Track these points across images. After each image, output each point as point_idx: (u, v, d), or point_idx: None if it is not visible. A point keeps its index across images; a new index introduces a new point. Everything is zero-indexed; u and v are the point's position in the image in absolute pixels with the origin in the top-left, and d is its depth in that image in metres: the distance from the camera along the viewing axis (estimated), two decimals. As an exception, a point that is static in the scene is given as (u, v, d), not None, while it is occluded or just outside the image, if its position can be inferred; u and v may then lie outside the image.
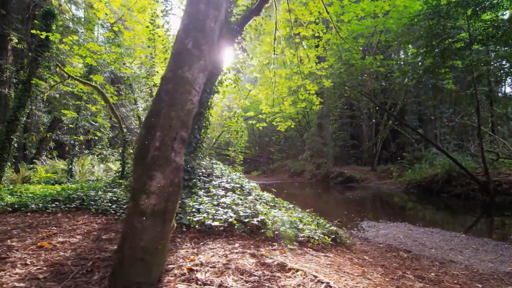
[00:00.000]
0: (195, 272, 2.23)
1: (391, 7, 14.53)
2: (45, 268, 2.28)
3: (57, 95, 15.58)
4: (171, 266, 2.34)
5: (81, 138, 10.86)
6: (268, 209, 4.53)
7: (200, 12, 2.23)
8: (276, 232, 3.71)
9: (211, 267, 2.36)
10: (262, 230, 3.64)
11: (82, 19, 16.63)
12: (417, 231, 6.57)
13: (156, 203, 2.03)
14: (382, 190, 15.42)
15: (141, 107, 18.16)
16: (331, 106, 19.75)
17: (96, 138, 15.54)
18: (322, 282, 2.16)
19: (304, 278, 2.23)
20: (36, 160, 12.87)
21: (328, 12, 9.79)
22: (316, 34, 10.99)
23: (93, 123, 15.39)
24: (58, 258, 2.52)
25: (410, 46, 15.77)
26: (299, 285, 2.10)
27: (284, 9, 10.01)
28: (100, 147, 14.39)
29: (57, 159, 13.71)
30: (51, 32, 9.75)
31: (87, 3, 17.95)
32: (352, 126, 24.80)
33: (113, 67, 12.17)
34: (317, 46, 12.25)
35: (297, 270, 2.36)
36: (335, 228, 4.67)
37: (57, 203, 4.83)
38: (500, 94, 19.44)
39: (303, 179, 23.60)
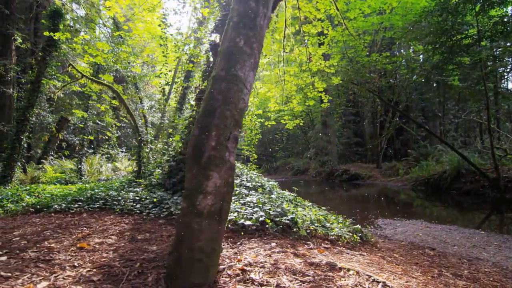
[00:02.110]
0: (248, 273, 2.20)
1: (398, 4, 14.51)
2: (94, 270, 2.26)
3: (62, 95, 15.52)
4: (221, 266, 2.32)
5: (92, 137, 10.81)
6: (294, 207, 4.51)
7: (251, 9, 2.20)
8: (308, 231, 3.69)
9: (261, 267, 2.34)
10: (295, 229, 3.63)
11: (84, 19, 16.54)
12: (434, 228, 6.56)
13: (212, 204, 2.01)
14: (389, 188, 15.41)
15: (146, 106, 18.12)
16: (337, 103, 19.73)
17: (106, 137, 15.47)
18: (378, 282, 2.15)
19: (358, 277, 2.21)
20: (43, 160, 12.81)
21: (338, 9, 9.72)
22: (326, 32, 10.94)
23: (99, 122, 15.35)
24: (103, 259, 2.50)
25: (415, 43, 15.72)
26: (356, 285, 2.08)
27: (292, 6, 9.95)
28: (106, 146, 14.34)
29: (64, 159, 13.66)
30: (59, 31, 9.69)
31: (89, 2, 17.83)
32: (355, 124, 24.76)
33: (118, 66, 12.11)
34: (321, 44, 12.19)
35: (349, 270, 2.34)
36: (359, 226, 4.65)
37: (80, 203, 4.80)
38: (502, 90, 19.46)
39: (307, 177, 23.59)
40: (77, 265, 2.34)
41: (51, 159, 13.43)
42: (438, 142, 18.49)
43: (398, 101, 17.95)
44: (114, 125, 13.11)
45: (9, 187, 9.05)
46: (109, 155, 15.09)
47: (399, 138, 22.70)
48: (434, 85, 19.89)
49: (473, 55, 12.11)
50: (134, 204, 4.62)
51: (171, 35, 8.17)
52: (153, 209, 4.40)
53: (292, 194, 5.45)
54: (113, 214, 4.42)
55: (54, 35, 8.21)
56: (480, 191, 11.33)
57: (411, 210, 9.66)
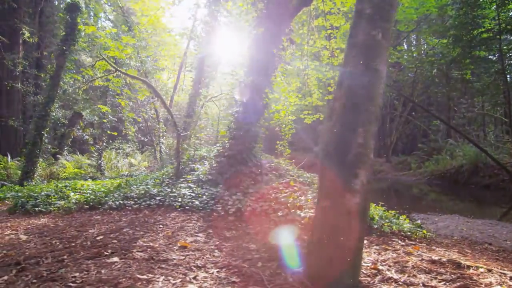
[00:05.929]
0: (383, 272, 2.16)
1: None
2: (224, 270, 2.19)
3: (70, 89, 15.26)
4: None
5: (115, 133, 10.68)
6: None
7: (386, 1, 2.12)
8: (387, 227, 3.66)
9: (388, 266, 2.29)
10: (375, 226, 3.58)
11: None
12: (475, 223, 6.56)
13: (359, 202, 1.95)
14: (403, 182, 15.45)
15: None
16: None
17: (123, 132, 15.33)
18: (518, 280, 2.11)
19: (494, 275, 2.18)
20: (59, 156, 12.63)
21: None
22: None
23: (111, 117, 15.16)
24: (221, 259, 2.44)
25: (431, 37, 15.69)
26: (500, 283, 2.05)
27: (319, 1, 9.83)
28: (125, 141, 14.19)
29: (79, 154, 13.49)
30: (76, 25, 9.49)
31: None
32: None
33: (132, 62, 11.93)
34: (334, 37, 12.05)
35: (478, 267, 2.31)
36: (419, 222, 4.65)
37: (135, 199, 4.71)
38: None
39: (316, 171, 23.60)
40: (200, 266, 2.27)
41: (66, 154, 13.26)
42: (447, 136, 18.57)
43: (411, 95, 17.97)
44: (132, 119, 12.93)
45: (33, 182, 8.93)
46: (122, 150, 14.94)
47: (407, 132, 22.77)
48: (437, 80, 19.95)
49: (493, 48, 12.12)
50: (193, 200, 4.55)
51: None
52: (215, 205, 4.33)
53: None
54: (174, 211, 4.34)
55: (84, 30, 7.97)
56: (500, 185, 11.38)
57: (437, 204, 9.68)
